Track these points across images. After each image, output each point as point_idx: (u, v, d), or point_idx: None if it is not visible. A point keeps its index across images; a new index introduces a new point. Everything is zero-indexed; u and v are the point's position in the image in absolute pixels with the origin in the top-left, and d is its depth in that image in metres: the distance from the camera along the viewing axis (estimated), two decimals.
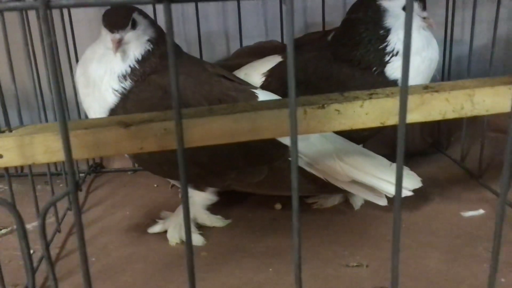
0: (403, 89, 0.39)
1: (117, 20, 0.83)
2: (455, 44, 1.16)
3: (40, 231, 0.42)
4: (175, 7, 1.18)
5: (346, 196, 0.98)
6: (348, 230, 0.90)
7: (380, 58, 0.92)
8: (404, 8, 0.92)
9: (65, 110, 0.35)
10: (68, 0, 0.36)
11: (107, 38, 0.83)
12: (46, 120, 1.09)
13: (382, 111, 0.71)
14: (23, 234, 0.41)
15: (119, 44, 0.82)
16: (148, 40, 0.86)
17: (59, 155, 0.66)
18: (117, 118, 0.69)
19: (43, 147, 0.65)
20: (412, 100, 0.71)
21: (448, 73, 1.14)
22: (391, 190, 0.82)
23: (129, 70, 0.84)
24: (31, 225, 0.92)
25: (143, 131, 0.67)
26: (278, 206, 1.00)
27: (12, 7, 0.36)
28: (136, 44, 0.85)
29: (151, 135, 0.67)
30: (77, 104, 1.09)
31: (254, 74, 1.00)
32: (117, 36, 0.82)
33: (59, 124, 0.35)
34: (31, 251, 0.81)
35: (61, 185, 1.09)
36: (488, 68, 0.99)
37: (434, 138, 1.23)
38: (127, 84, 0.84)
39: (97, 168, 1.21)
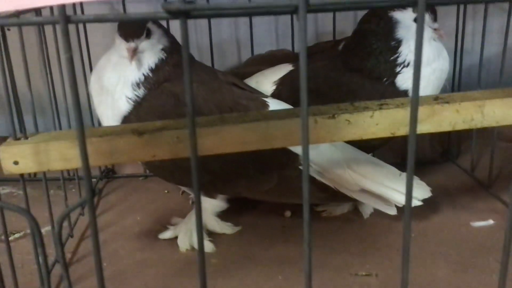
0: (413, 101, 0.40)
1: (132, 29, 0.84)
2: (466, 54, 1.16)
3: (57, 239, 0.43)
4: None
5: (355, 204, 0.99)
6: (358, 238, 0.91)
7: (391, 69, 0.92)
8: (415, 20, 0.92)
9: (83, 126, 0.35)
10: (87, 16, 0.37)
11: (122, 46, 0.85)
12: (60, 125, 1.11)
13: (392, 121, 0.72)
14: (40, 242, 0.42)
15: (134, 53, 0.83)
16: (162, 49, 0.87)
17: (74, 162, 0.68)
18: (131, 126, 0.71)
19: (58, 154, 0.67)
20: (422, 111, 0.71)
21: (458, 83, 1.15)
22: (400, 199, 0.83)
23: (143, 78, 0.85)
24: (44, 230, 0.93)
25: (156, 139, 0.68)
26: (287, 213, 1.00)
27: (35, 21, 0.37)
28: (151, 53, 0.86)
29: (164, 143, 0.68)
30: (90, 109, 1.11)
31: (265, 82, 1.01)
32: (132, 45, 0.84)
33: (78, 138, 0.36)
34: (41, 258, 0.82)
35: (73, 190, 1.10)
36: (498, 78, 1.00)
37: (444, 147, 1.23)
38: (141, 92, 0.85)
39: (109, 173, 1.22)
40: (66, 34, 0.37)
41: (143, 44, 0.85)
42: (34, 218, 0.42)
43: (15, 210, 0.45)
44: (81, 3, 1.08)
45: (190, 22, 1.24)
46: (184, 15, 0.37)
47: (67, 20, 0.37)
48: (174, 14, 0.37)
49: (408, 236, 0.41)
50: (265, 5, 0.37)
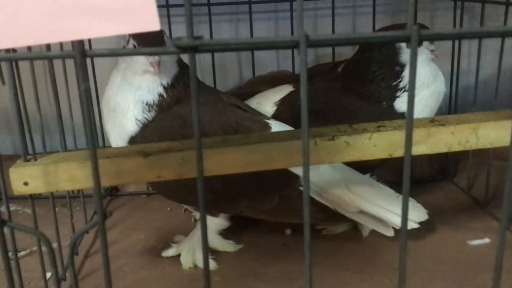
0: (408, 126, 0.42)
1: (153, 42, 0.83)
2: (463, 74, 1.19)
3: (70, 261, 0.45)
4: None
5: (355, 222, 1.00)
6: (357, 257, 0.93)
7: (391, 93, 0.95)
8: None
9: (97, 166, 0.38)
10: (102, 50, 0.40)
11: (141, 61, 0.84)
12: (65, 144, 1.13)
13: (390, 143, 0.74)
14: (54, 263, 0.44)
15: (159, 65, 0.83)
16: (177, 61, 0.89)
17: (82, 183, 0.70)
18: (137, 148, 0.73)
19: (67, 175, 0.69)
20: (418, 133, 0.74)
21: (455, 103, 1.17)
22: (397, 221, 0.85)
23: (156, 99, 0.87)
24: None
25: (161, 160, 0.71)
26: (288, 231, 1.02)
27: (53, 55, 0.40)
28: (170, 63, 0.87)
29: (169, 164, 0.71)
30: (101, 125, 1.13)
31: (267, 102, 1.04)
32: (156, 58, 0.83)
33: (93, 176, 0.38)
34: (49, 274, 0.84)
35: (78, 207, 1.12)
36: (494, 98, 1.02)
37: (441, 165, 1.26)
38: (151, 114, 0.87)
39: (113, 191, 1.24)
40: (82, 67, 0.39)
41: (163, 56, 0.84)
42: (48, 240, 0.44)
43: (28, 231, 0.47)
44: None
45: None
46: (192, 50, 0.39)
47: (83, 54, 0.39)
48: (183, 49, 0.39)
49: (404, 258, 0.43)
50: (268, 41, 0.40)
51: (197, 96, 0.40)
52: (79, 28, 0.39)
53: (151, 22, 0.39)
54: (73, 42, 0.40)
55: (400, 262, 0.42)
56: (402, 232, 0.43)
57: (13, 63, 0.61)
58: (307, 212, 0.43)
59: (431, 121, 0.77)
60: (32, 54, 0.40)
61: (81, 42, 0.40)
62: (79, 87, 0.40)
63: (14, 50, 0.42)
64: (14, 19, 0.39)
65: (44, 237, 0.45)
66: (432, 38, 0.39)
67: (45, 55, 0.40)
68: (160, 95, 0.87)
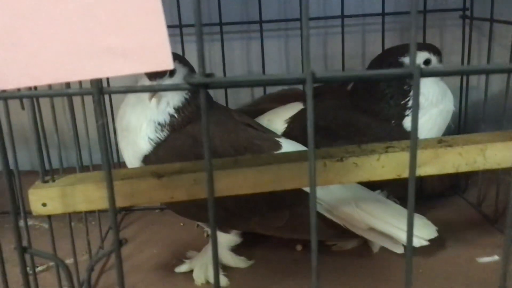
0: (412, 152, 0.44)
1: (159, 73, 0.86)
2: (472, 89, 1.20)
3: (87, 286, 0.47)
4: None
5: (365, 239, 1.02)
6: (367, 273, 0.94)
7: (400, 112, 0.96)
8: (425, 62, 0.96)
9: (114, 194, 0.40)
10: (119, 88, 0.42)
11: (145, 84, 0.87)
12: (81, 160, 1.16)
13: (398, 164, 0.75)
14: (70, 283, 0.46)
15: (154, 92, 0.86)
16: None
17: (98, 204, 0.72)
18: (151, 169, 0.75)
19: (83, 197, 0.71)
20: (426, 154, 0.75)
21: (464, 119, 1.18)
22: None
23: (168, 119, 0.89)
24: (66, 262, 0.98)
25: (174, 181, 0.73)
26: (298, 247, 1.04)
27: (72, 93, 0.42)
28: (173, 93, 0.89)
29: (182, 185, 0.73)
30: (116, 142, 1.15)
31: (277, 120, 1.05)
32: (154, 83, 0.86)
33: (108, 196, 0.40)
34: None
35: (93, 222, 1.15)
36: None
37: (452, 180, 1.26)
38: (164, 134, 0.89)
39: (127, 207, 1.26)
40: (99, 104, 0.42)
41: (166, 84, 0.86)
42: (66, 265, 0.46)
43: (48, 258, 0.49)
44: None
45: (206, 59, 1.30)
46: (204, 87, 0.41)
47: (100, 92, 0.42)
48: (195, 86, 0.41)
49: (409, 276, 0.44)
50: (276, 79, 0.42)
51: (209, 129, 0.42)
52: (96, 67, 0.41)
53: (164, 62, 0.41)
54: (91, 80, 0.42)
55: (406, 279, 0.43)
56: (407, 254, 0.44)
57: (34, 99, 0.64)
58: (314, 232, 0.44)
59: (439, 142, 0.78)
60: (52, 92, 0.42)
61: (98, 80, 0.42)
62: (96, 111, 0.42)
63: (35, 88, 0.44)
64: (35, 59, 0.42)
65: (62, 263, 0.47)
66: (434, 75, 0.40)
67: (65, 92, 0.42)
68: (172, 116, 0.89)
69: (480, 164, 0.77)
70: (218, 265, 0.44)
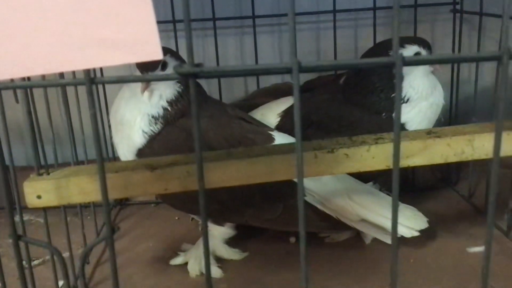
0: (395, 143, 0.45)
1: (150, 65, 0.87)
2: (463, 83, 1.21)
3: (80, 274, 0.48)
4: (196, 44, 1.26)
5: (358, 230, 1.03)
6: (359, 264, 0.95)
7: (391, 105, 0.97)
8: (416, 55, 0.97)
9: (106, 186, 0.41)
10: (110, 78, 0.43)
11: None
12: (77, 155, 1.17)
13: (387, 155, 0.77)
14: (65, 274, 0.47)
15: (146, 85, 0.87)
16: (178, 82, 0.91)
17: (92, 196, 0.73)
18: (144, 162, 0.76)
19: (78, 189, 0.72)
20: (415, 145, 0.76)
21: (455, 112, 1.19)
22: (398, 229, 0.87)
23: (161, 112, 0.90)
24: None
25: (167, 174, 0.74)
26: (292, 239, 1.05)
27: (65, 83, 0.43)
28: (165, 86, 0.90)
29: (175, 177, 0.74)
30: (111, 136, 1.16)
31: (270, 114, 1.06)
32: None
33: (101, 186, 0.41)
34: (61, 282, 0.87)
35: (88, 217, 1.15)
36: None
37: (443, 173, 1.28)
38: (157, 127, 0.90)
39: (122, 201, 1.28)
40: (90, 94, 0.43)
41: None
42: (60, 254, 0.47)
43: (42, 246, 0.50)
44: None
45: (199, 55, 1.31)
46: (193, 76, 0.42)
47: (91, 82, 0.43)
48: (184, 75, 0.43)
49: (395, 269, 0.45)
50: (263, 68, 0.43)
51: (198, 120, 0.43)
52: (88, 58, 0.42)
53: (154, 52, 0.42)
54: (84, 70, 0.43)
55: (391, 272, 0.44)
56: (392, 244, 0.45)
57: (28, 90, 0.64)
58: (302, 226, 0.46)
59: (428, 133, 0.79)
60: (46, 82, 0.43)
61: (89, 71, 0.43)
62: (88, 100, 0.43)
63: (28, 78, 0.45)
64: (28, 50, 0.43)
65: (57, 251, 0.48)
66: (416, 63, 0.41)
67: (58, 82, 0.43)
68: (165, 109, 0.90)
69: (468, 155, 0.78)
70: (210, 256, 0.45)
